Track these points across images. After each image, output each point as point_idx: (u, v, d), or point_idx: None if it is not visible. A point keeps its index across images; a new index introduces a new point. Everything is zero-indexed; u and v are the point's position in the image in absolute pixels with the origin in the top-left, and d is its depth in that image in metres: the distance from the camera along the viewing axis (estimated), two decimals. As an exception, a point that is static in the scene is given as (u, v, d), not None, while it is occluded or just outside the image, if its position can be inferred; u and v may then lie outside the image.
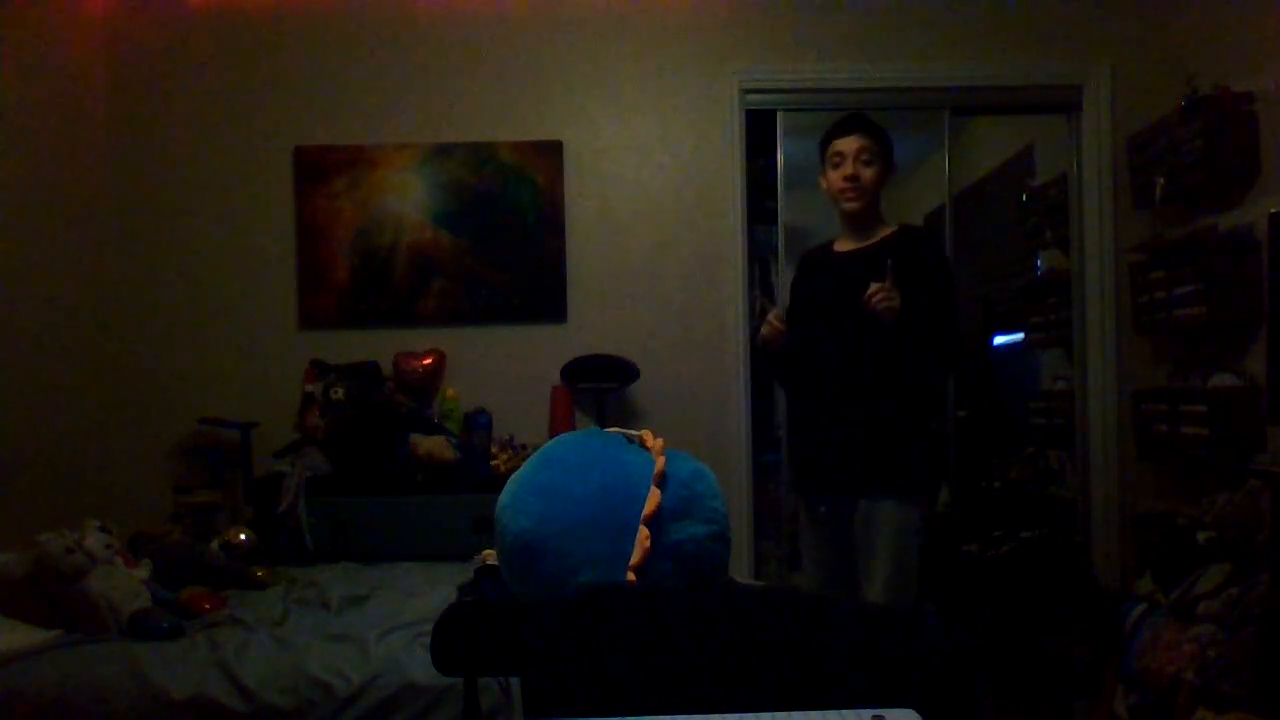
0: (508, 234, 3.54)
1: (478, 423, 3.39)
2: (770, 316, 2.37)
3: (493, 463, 3.30)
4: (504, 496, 1.23)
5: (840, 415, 2.33)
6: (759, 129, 3.62)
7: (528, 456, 1.32)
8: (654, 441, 1.28)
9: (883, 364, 2.26)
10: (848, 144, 2.34)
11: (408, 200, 3.53)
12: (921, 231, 2.39)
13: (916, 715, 0.88)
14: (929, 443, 2.33)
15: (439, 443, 3.25)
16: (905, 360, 2.25)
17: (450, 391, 3.49)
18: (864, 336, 2.25)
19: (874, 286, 2.17)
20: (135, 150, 3.52)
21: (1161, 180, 3.06)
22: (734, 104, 3.55)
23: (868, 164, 2.33)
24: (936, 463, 2.36)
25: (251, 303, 3.54)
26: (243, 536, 2.89)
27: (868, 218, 2.39)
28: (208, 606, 2.41)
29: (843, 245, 2.45)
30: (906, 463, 2.28)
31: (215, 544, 2.83)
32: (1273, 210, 2.72)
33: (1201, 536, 2.53)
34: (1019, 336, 4.22)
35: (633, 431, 1.33)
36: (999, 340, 4.39)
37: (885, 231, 2.39)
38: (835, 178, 2.36)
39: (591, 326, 3.54)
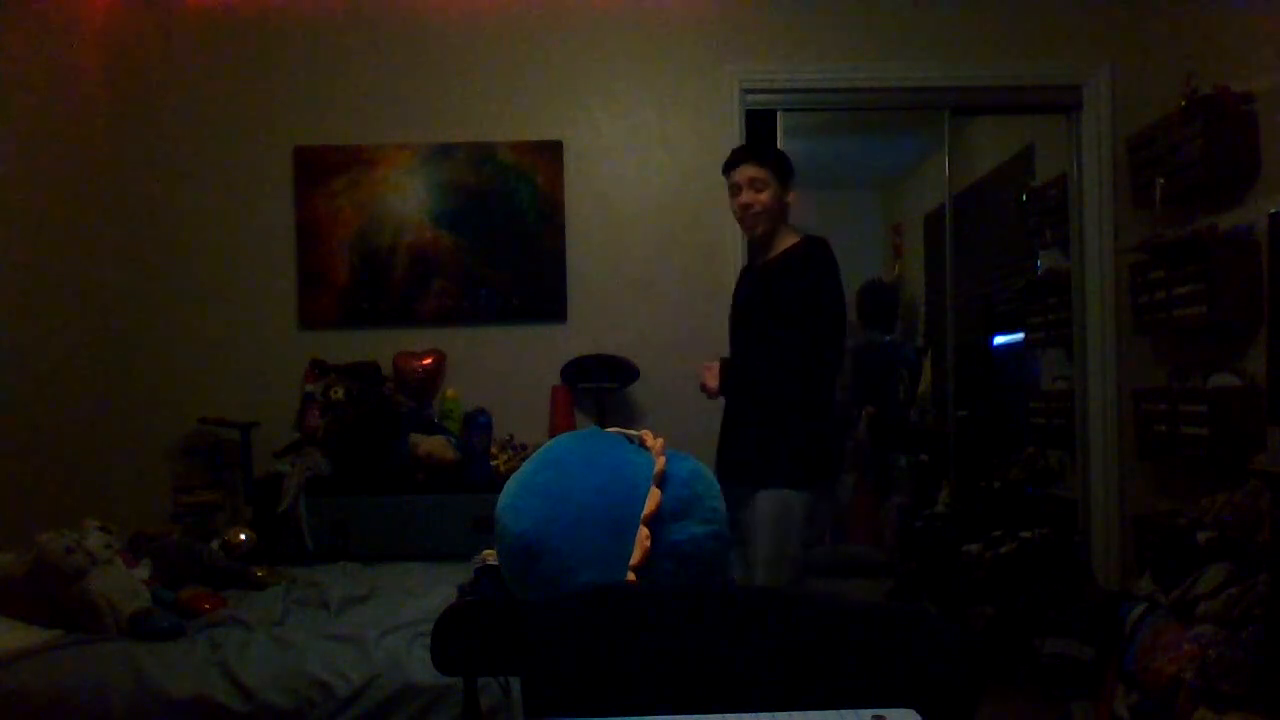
0: (508, 234, 3.54)
1: (478, 423, 3.39)
2: (706, 380, 2.60)
3: (493, 463, 3.29)
4: (504, 497, 1.23)
5: (733, 412, 2.60)
6: (759, 129, 3.62)
7: (528, 456, 1.32)
8: (654, 441, 1.28)
9: (763, 368, 2.50)
10: (741, 174, 2.56)
11: (408, 200, 3.53)
12: (811, 244, 2.59)
13: (916, 715, 0.87)
14: (806, 438, 2.47)
15: (439, 443, 3.25)
16: (782, 364, 2.47)
17: (450, 391, 3.49)
18: (750, 344, 2.56)
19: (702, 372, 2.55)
20: (135, 150, 3.52)
21: (1161, 180, 3.06)
22: (734, 104, 3.55)
23: (760, 190, 2.53)
24: (822, 455, 2.54)
25: (251, 303, 3.54)
26: (243, 536, 2.89)
27: (770, 236, 2.60)
28: (208, 606, 2.41)
29: (758, 260, 2.69)
30: (779, 455, 2.44)
31: (215, 544, 2.83)
32: (1273, 210, 2.72)
33: (1201, 536, 2.53)
34: (1019, 336, 4.22)
35: (633, 431, 1.33)
36: (999, 340, 4.39)
37: (784, 245, 2.59)
38: (735, 206, 2.59)
39: (591, 326, 3.54)
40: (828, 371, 2.54)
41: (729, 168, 2.60)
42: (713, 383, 2.54)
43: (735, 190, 2.58)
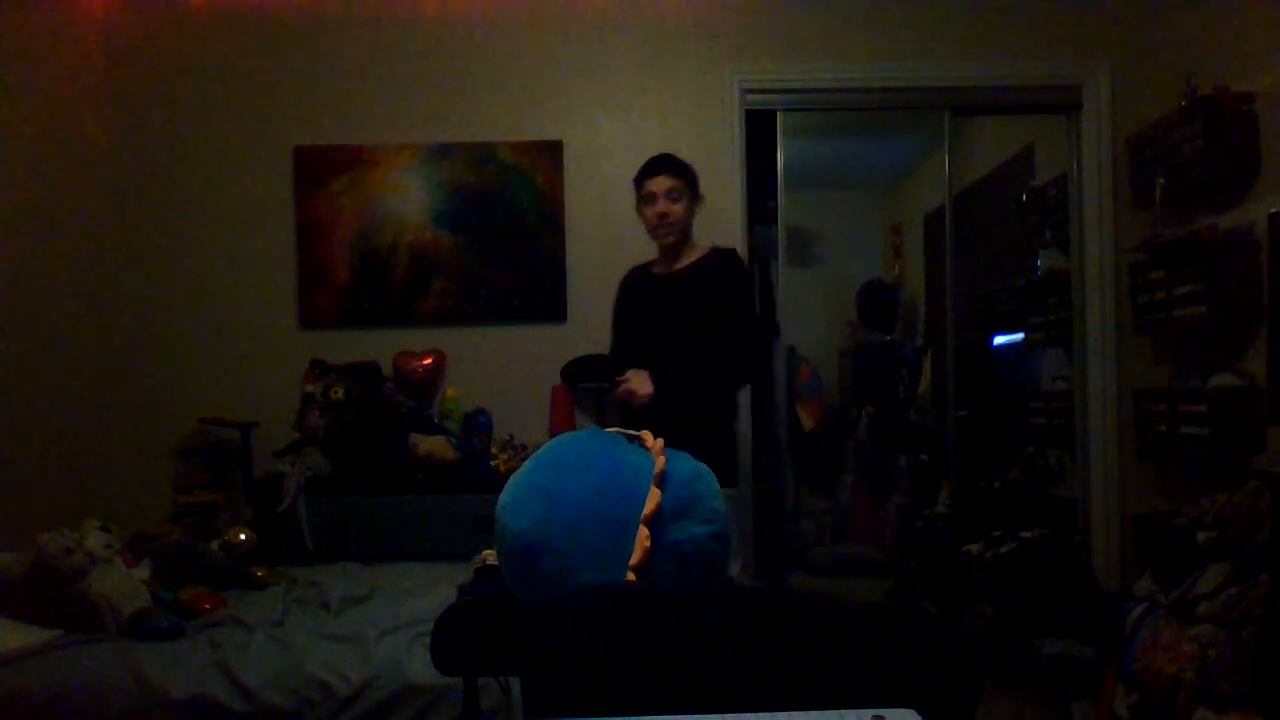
0: (508, 234, 3.54)
1: (478, 423, 3.39)
2: (636, 388, 2.60)
3: (493, 463, 3.30)
4: (504, 496, 1.23)
5: (653, 419, 2.56)
6: (759, 129, 3.62)
7: (528, 456, 1.32)
8: (654, 441, 1.28)
9: (688, 375, 2.57)
10: (658, 184, 2.66)
11: (408, 200, 3.53)
12: (726, 254, 2.74)
13: (916, 715, 0.87)
14: (731, 440, 2.68)
15: (439, 443, 3.25)
16: (707, 370, 2.57)
17: (450, 391, 3.49)
18: (674, 351, 2.60)
19: (624, 383, 2.59)
20: (135, 150, 3.52)
21: (1161, 180, 3.06)
22: (734, 104, 3.55)
23: (676, 200, 2.65)
24: (736, 456, 2.81)
25: (251, 303, 3.54)
26: (243, 536, 2.89)
27: (680, 246, 2.71)
28: (208, 606, 2.41)
29: (659, 269, 2.77)
30: (712, 457, 2.45)
31: (215, 544, 2.83)
32: (1273, 210, 2.72)
33: (1201, 536, 2.53)
34: (1019, 336, 4.22)
35: (633, 431, 1.33)
36: (999, 340, 4.39)
37: (694, 256, 2.72)
38: (650, 215, 2.68)
39: (591, 326, 3.53)
40: (746, 379, 2.73)
41: (644, 177, 2.70)
42: (646, 389, 2.57)
43: (651, 199, 2.67)
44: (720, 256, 2.72)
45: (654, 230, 2.70)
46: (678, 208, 2.65)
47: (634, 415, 2.60)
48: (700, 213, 3.51)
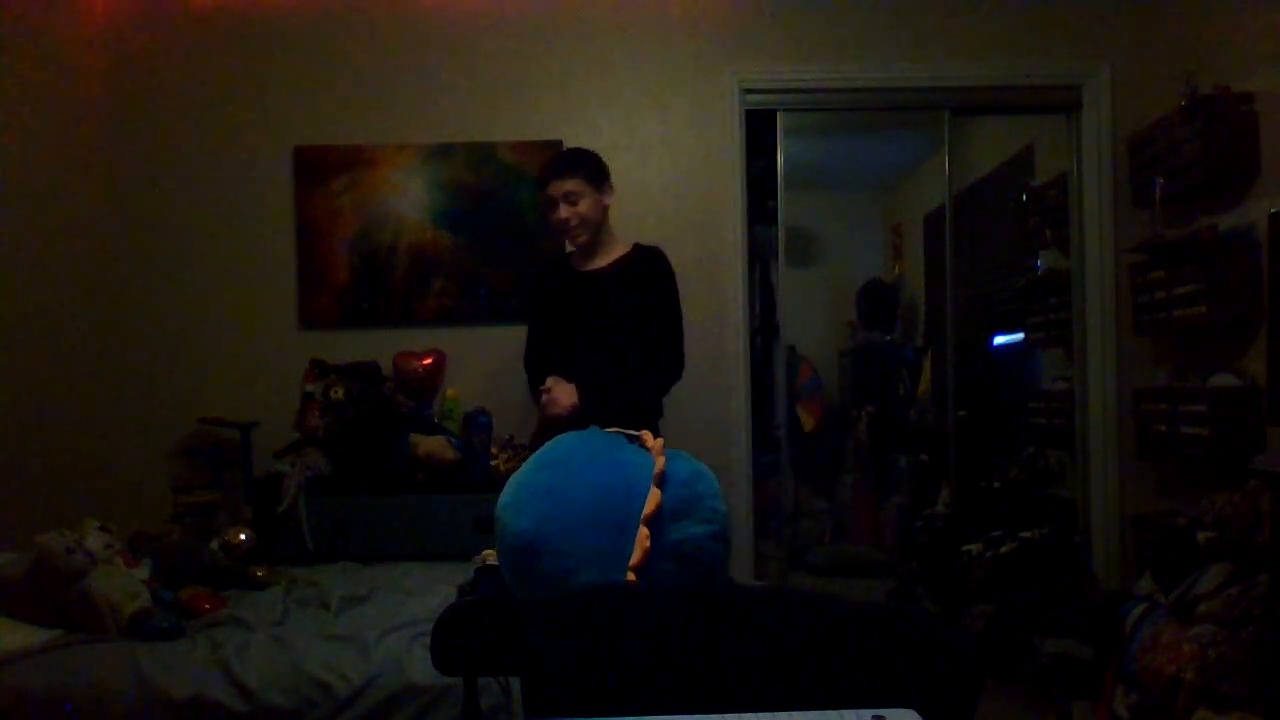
0: (508, 234, 3.54)
1: (478, 423, 3.39)
2: (560, 398, 2.52)
3: (493, 463, 3.29)
4: (504, 496, 1.23)
5: (580, 417, 2.50)
6: (759, 129, 3.62)
7: (528, 456, 1.32)
8: (654, 441, 1.28)
9: (614, 373, 2.53)
10: (556, 188, 2.58)
11: (408, 200, 3.53)
12: (651, 253, 2.66)
13: (916, 715, 0.87)
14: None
15: (439, 443, 3.25)
16: (633, 368, 2.54)
17: (450, 391, 3.48)
18: (601, 350, 2.56)
19: (545, 392, 2.51)
20: (135, 150, 3.52)
21: (1161, 180, 3.06)
22: (734, 104, 3.55)
23: (575, 203, 2.57)
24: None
25: (251, 303, 3.54)
26: (243, 536, 2.89)
27: (596, 244, 2.65)
28: (208, 606, 2.41)
29: (579, 265, 2.69)
30: None
31: (215, 544, 2.83)
32: (1273, 210, 2.72)
33: (1201, 536, 2.53)
34: (1019, 336, 4.22)
35: (632, 431, 1.33)
36: (999, 340, 4.39)
37: (617, 253, 2.65)
38: (554, 220, 2.61)
39: (591, 326, 3.54)
40: (673, 381, 2.64)
41: (544, 181, 2.61)
42: (569, 400, 2.49)
43: (552, 204, 2.59)
44: (644, 255, 2.65)
45: (561, 234, 2.65)
46: (579, 209, 2.57)
47: (552, 424, 2.46)
48: (699, 212, 3.56)
